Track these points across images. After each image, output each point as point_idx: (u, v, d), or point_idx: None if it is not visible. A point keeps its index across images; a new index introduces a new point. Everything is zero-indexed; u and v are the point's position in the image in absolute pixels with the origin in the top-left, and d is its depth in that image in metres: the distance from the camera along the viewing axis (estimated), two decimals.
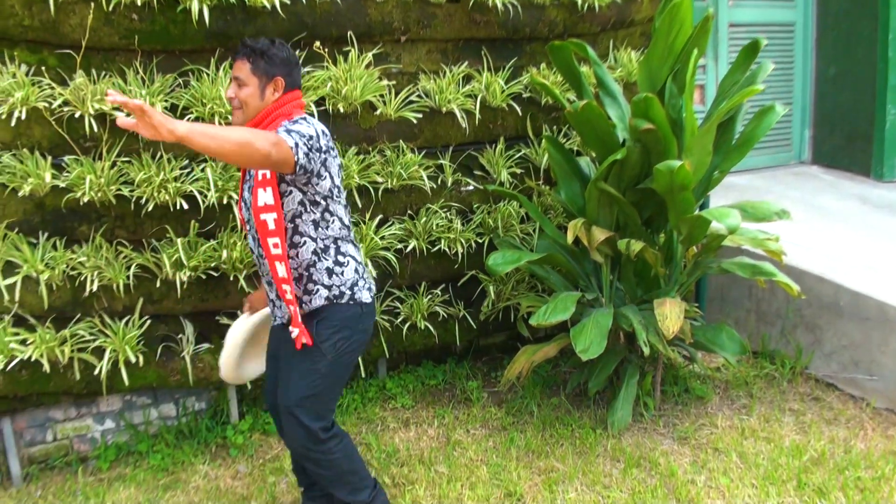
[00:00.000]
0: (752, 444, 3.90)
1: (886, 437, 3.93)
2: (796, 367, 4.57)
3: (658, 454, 3.83)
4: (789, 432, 4.00)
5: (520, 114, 4.36)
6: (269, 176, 2.76)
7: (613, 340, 4.12)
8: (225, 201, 3.70)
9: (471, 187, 4.32)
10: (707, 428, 4.08)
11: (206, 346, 3.97)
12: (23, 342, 3.60)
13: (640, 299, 4.15)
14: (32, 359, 3.56)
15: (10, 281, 3.54)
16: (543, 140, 4.19)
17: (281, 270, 2.81)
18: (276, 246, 2.78)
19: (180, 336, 3.94)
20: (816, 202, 5.81)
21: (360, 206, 4.04)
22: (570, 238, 3.79)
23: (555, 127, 4.50)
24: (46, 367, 3.60)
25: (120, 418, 4.06)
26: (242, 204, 2.97)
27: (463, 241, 4.25)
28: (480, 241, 4.35)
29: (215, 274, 3.81)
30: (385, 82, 3.99)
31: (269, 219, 2.77)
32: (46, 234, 3.62)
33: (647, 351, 3.74)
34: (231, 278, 3.84)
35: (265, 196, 2.75)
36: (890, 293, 4.22)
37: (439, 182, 4.23)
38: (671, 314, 3.64)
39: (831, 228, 5.28)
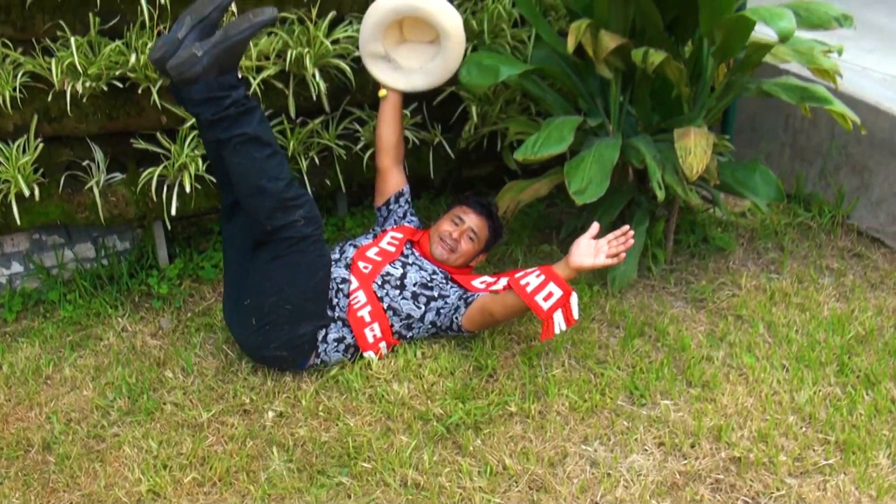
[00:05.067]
0: (784, 313, 3.24)
1: None
2: (836, 215, 3.89)
3: (667, 320, 3.18)
4: (828, 298, 3.35)
5: None
6: None
7: (621, 178, 3.45)
8: None
9: None
10: (728, 288, 3.42)
11: (119, 175, 3.30)
12: None
13: (656, 127, 3.41)
14: None
15: None
16: None
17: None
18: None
19: (87, 163, 3.27)
20: (867, 18, 4.95)
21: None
22: (570, 45, 2.98)
23: None
24: None
25: (28, 260, 3.44)
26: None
27: None
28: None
29: (122, 85, 3.09)
30: None
31: None
32: None
33: (661, 196, 3.01)
34: (141, 90, 3.12)
35: None
36: None
37: None
38: (696, 148, 2.90)
39: (887, 49, 4.50)
